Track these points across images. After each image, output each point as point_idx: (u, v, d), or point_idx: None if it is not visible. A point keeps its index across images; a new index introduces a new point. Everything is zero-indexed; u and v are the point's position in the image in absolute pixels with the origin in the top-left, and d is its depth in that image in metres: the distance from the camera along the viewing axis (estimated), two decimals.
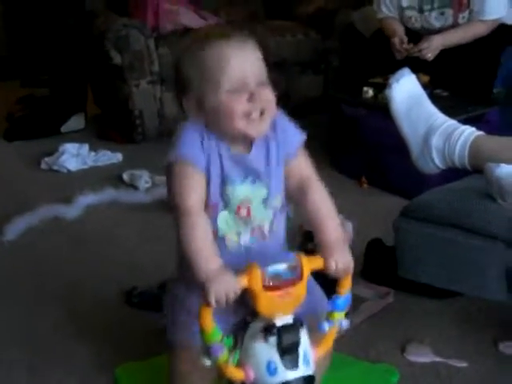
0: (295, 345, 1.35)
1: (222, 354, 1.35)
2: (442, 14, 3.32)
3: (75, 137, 4.19)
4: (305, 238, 2.38)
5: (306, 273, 1.37)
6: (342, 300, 1.45)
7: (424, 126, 2.19)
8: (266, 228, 1.49)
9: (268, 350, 1.35)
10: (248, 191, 1.45)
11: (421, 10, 3.37)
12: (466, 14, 3.31)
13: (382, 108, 2.76)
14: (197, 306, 1.37)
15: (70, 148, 3.86)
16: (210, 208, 1.44)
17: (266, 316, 1.36)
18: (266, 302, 1.34)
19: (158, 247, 2.68)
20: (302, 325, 1.37)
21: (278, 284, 1.35)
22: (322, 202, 1.49)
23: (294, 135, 1.52)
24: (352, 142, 3.43)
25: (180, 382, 1.60)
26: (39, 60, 5.02)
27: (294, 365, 1.35)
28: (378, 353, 2.09)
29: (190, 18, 4.13)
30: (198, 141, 1.42)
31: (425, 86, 2.42)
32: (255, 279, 1.33)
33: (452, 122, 2.17)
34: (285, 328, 1.35)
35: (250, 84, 1.40)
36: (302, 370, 1.36)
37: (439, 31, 3.33)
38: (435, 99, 2.37)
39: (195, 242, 1.38)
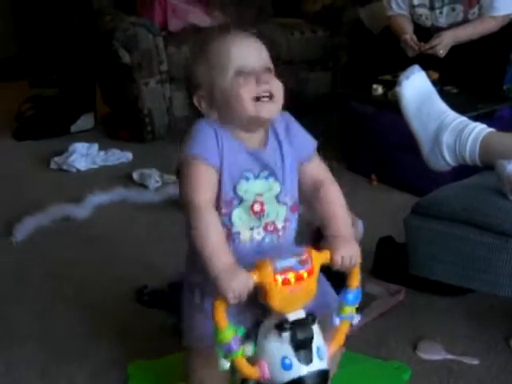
0: (309, 339, 1.36)
1: (238, 348, 1.35)
2: (453, 9, 3.31)
3: (84, 136, 4.20)
4: (316, 237, 2.37)
5: (317, 266, 1.38)
6: (352, 294, 1.45)
7: (434, 123, 2.19)
8: (279, 224, 1.49)
9: (282, 345, 1.36)
10: (262, 187, 1.46)
11: (432, 8, 3.37)
12: (475, 9, 3.31)
13: (392, 105, 2.75)
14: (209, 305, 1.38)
15: (80, 147, 3.87)
16: (224, 204, 1.44)
17: (278, 311, 1.37)
18: (278, 296, 1.35)
19: (169, 246, 2.68)
20: (314, 319, 1.38)
21: (289, 278, 1.35)
22: (334, 199, 1.52)
23: (307, 140, 1.54)
24: (361, 140, 3.43)
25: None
26: (48, 60, 5.04)
27: (309, 359, 1.35)
28: (390, 350, 2.08)
29: (198, 17, 4.13)
30: (212, 138, 1.43)
31: (434, 83, 2.41)
32: (266, 273, 1.33)
33: (463, 119, 2.16)
34: (298, 323, 1.36)
35: (255, 68, 1.43)
36: (317, 365, 1.36)
37: (449, 29, 3.32)
38: (445, 96, 2.36)
39: (209, 239, 1.38)
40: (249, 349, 1.38)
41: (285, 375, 1.36)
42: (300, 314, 1.38)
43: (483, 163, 2.10)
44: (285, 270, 1.35)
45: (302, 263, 1.37)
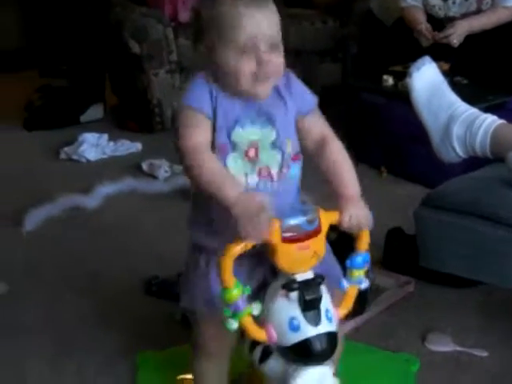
0: (317, 300, 1.34)
1: (246, 308, 1.33)
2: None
3: (94, 127, 4.20)
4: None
5: (325, 225, 1.37)
6: (360, 257, 1.45)
7: (445, 114, 2.18)
8: (274, 170, 1.46)
9: (290, 306, 1.35)
10: (257, 134, 1.44)
11: None
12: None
13: (402, 96, 2.74)
14: (214, 269, 1.39)
15: (89, 138, 3.87)
16: (218, 150, 1.43)
17: (285, 270, 1.36)
18: (286, 254, 1.34)
19: (178, 236, 2.65)
20: (322, 280, 1.37)
21: (297, 236, 1.34)
22: (339, 155, 1.50)
23: (308, 94, 1.52)
24: (371, 131, 3.42)
25: (201, 352, 1.61)
26: (57, 50, 5.04)
27: (317, 321, 1.34)
28: (399, 342, 2.08)
29: None
30: (206, 88, 1.43)
31: (445, 74, 2.40)
32: (273, 231, 1.32)
33: (473, 111, 2.15)
34: (306, 283, 1.35)
35: (260, 47, 1.39)
36: (326, 327, 1.35)
37: (462, 18, 3.31)
38: (455, 87, 2.35)
39: (213, 172, 1.37)
40: (257, 307, 1.35)
41: (292, 337, 1.34)
42: (308, 274, 1.37)
43: (494, 155, 2.09)
44: (292, 228, 1.33)
45: (310, 222, 1.36)
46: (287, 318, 1.35)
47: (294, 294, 1.34)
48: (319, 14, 4.41)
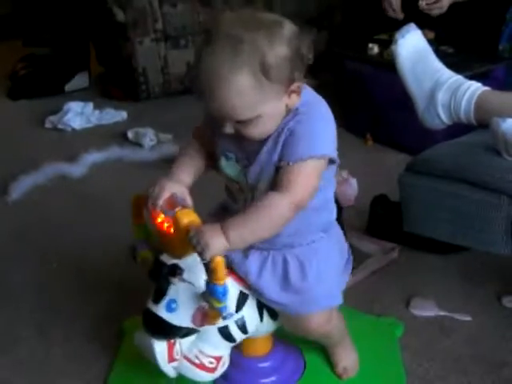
0: (159, 281, 1.49)
1: (142, 250, 1.58)
2: None
3: (79, 95, 4.18)
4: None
5: (181, 223, 1.36)
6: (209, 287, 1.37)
7: (430, 81, 2.18)
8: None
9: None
10: (233, 172, 1.48)
11: None
12: None
13: (388, 64, 2.74)
14: None
15: (75, 106, 3.86)
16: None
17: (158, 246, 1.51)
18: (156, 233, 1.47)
19: None
20: (176, 273, 1.46)
21: (160, 222, 1.44)
22: (266, 201, 1.37)
23: (297, 150, 1.36)
24: (357, 99, 3.42)
25: None
26: (41, 19, 4.99)
27: (155, 299, 1.51)
28: (383, 307, 2.10)
29: None
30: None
31: (430, 43, 2.40)
32: (151, 209, 1.45)
33: (458, 77, 2.15)
34: (160, 263, 1.48)
35: (227, 123, 1.34)
36: (159, 311, 1.50)
37: None
38: (440, 55, 2.35)
39: (178, 155, 1.52)
40: (149, 255, 1.56)
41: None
42: (171, 260, 1.47)
43: (478, 121, 2.10)
44: (166, 216, 1.41)
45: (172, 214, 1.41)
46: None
47: (159, 268, 1.49)
48: None
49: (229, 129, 1.35)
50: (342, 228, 2.20)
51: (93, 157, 3.23)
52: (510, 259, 2.14)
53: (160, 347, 1.53)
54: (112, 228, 2.59)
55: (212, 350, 1.57)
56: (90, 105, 3.92)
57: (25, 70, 4.42)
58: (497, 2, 3.23)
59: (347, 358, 1.79)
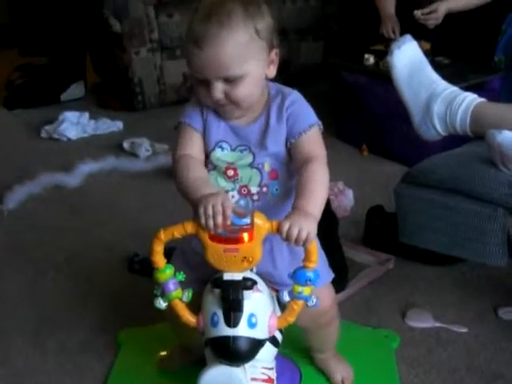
0: (236, 302, 1.35)
1: (175, 290, 1.39)
2: None
3: (75, 105, 4.19)
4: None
5: (260, 233, 1.34)
6: (300, 273, 1.36)
7: (425, 92, 2.18)
8: (254, 189, 1.50)
9: (213, 301, 1.38)
10: (233, 157, 1.50)
11: None
12: None
13: (383, 75, 2.75)
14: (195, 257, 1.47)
15: (70, 116, 3.86)
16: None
17: (212, 265, 1.36)
18: (213, 252, 1.35)
19: (159, 214, 2.69)
20: (250, 285, 1.36)
21: (224, 237, 1.34)
22: (315, 175, 1.42)
23: (303, 116, 1.48)
24: (353, 110, 3.43)
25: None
26: (38, 28, 5.00)
27: (234, 322, 1.35)
28: (379, 318, 2.10)
29: None
30: (198, 108, 1.51)
31: (426, 54, 2.41)
32: (199, 225, 1.33)
33: (454, 89, 2.16)
34: (229, 283, 1.36)
35: (211, 81, 1.40)
36: (243, 331, 1.36)
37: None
38: (436, 67, 2.35)
39: (189, 176, 1.43)
40: (187, 295, 1.41)
41: (212, 331, 1.37)
42: (236, 276, 1.37)
43: (473, 133, 2.10)
44: (240, 226, 1.33)
45: (240, 216, 1.35)
46: (210, 312, 1.38)
47: (217, 291, 1.37)
48: None
49: (217, 92, 1.41)
50: (337, 239, 2.21)
51: (88, 167, 3.23)
52: (506, 270, 2.14)
53: (244, 375, 1.41)
54: (107, 238, 2.59)
55: (269, 361, 1.52)
56: (86, 115, 3.92)
57: (21, 79, 4.43)
58: (492, 13, 3.24)
59: (343, 370, 1.80)
